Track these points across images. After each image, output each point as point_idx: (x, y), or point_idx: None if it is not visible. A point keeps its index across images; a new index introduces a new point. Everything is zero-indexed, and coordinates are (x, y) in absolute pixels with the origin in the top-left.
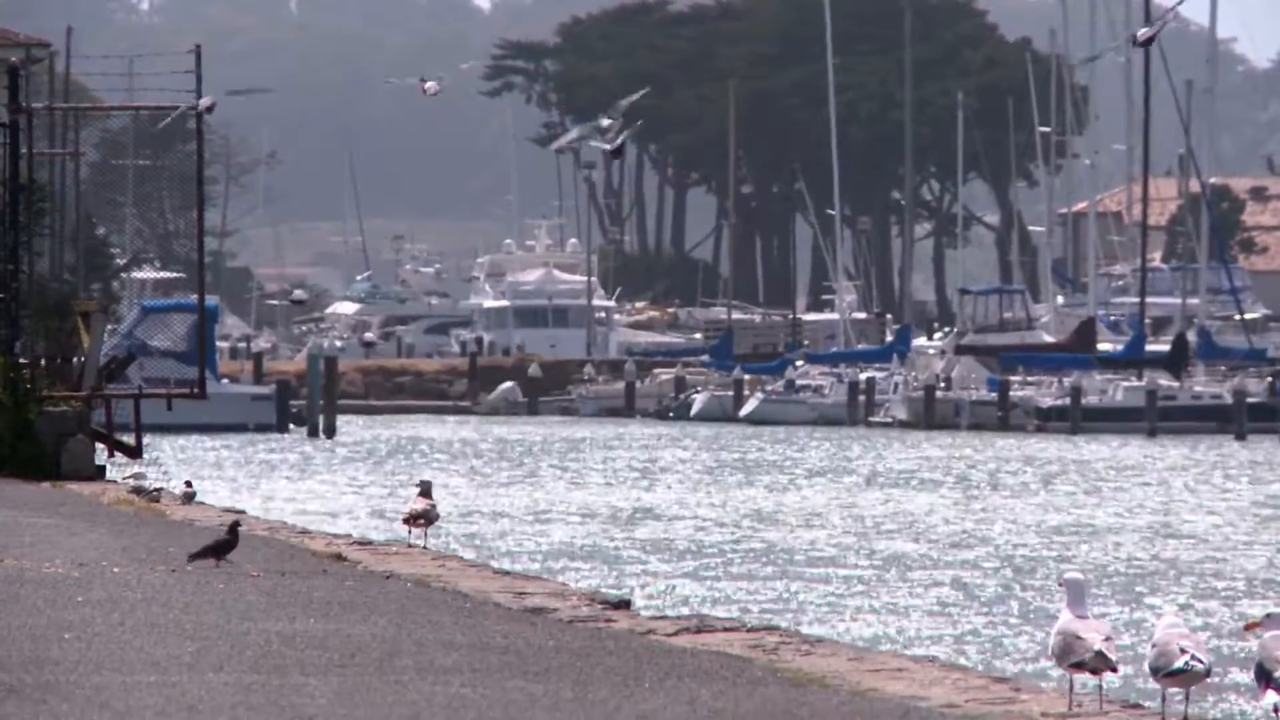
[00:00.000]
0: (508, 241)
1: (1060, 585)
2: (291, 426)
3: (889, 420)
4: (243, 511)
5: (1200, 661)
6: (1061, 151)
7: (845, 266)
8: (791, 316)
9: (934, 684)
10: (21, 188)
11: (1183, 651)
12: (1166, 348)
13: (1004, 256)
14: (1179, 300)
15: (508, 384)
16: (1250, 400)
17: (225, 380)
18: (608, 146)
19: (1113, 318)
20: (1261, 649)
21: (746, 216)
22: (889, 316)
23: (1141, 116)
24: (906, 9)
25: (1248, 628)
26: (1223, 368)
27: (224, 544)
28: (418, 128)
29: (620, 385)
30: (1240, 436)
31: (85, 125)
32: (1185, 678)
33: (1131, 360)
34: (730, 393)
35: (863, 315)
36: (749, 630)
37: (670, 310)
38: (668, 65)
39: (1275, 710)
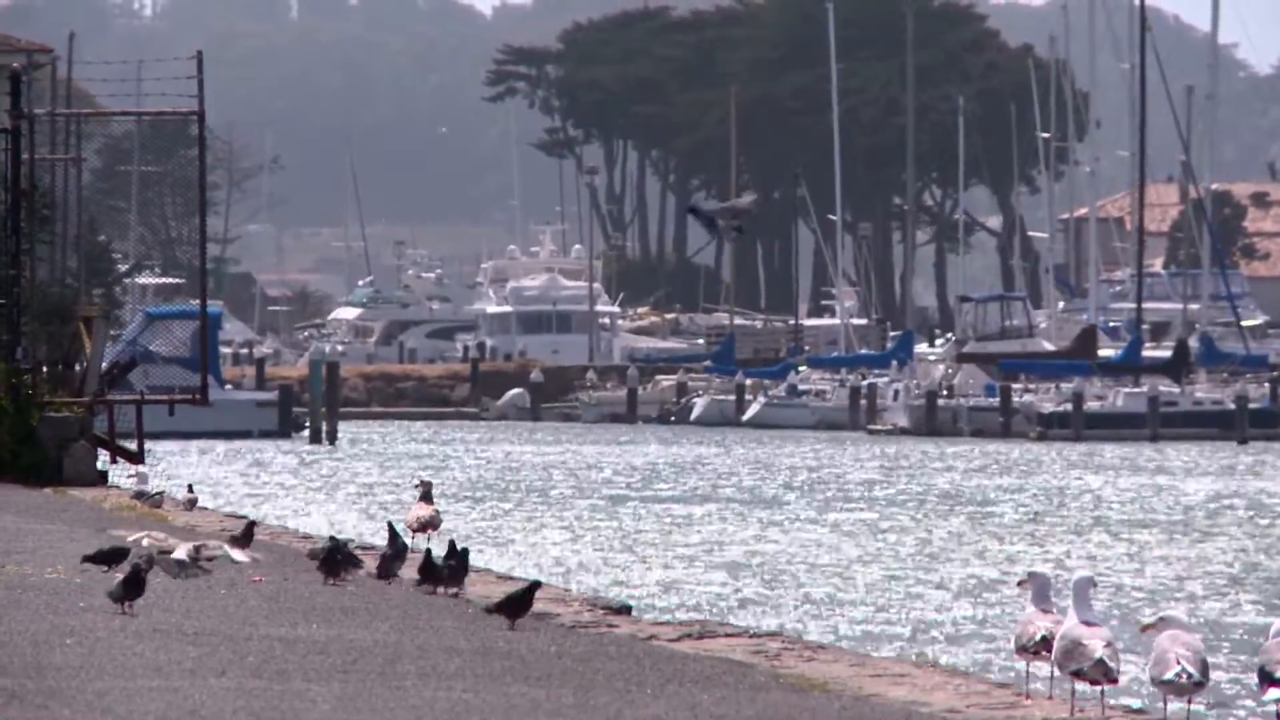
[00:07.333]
0: (511, 247)
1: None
2: (294, 433)
3: (890, 427)
4: (245, 516)
5: (1190, 674)
6: (1063, 157)
7: (846, 272)
8: (793, 322)
9: (936, 689)
10: (24, 193)
11: (1177, 660)
12: (1168, 354)
13: (1006, 262)
14: (1179, 306)
15: (516, 390)
16: (1252, 406)
17: (228, 386)
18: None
19: (1112, 324)
20: (1263, 652)
21: (748, 222)
22: (888, 323)
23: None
24: (908, 14)
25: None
26: (1225, 374)
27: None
28: (420, 133)
29: (623, 391)
30: (1243, 441)
31: (87, 132)
32: (1175, 688)
33: (1132, 366)
34: (731, 397)
35: (864, 321)
36: (751, 636)
37: (672, 316)
38: (669, 71)
39: (1278, 704)
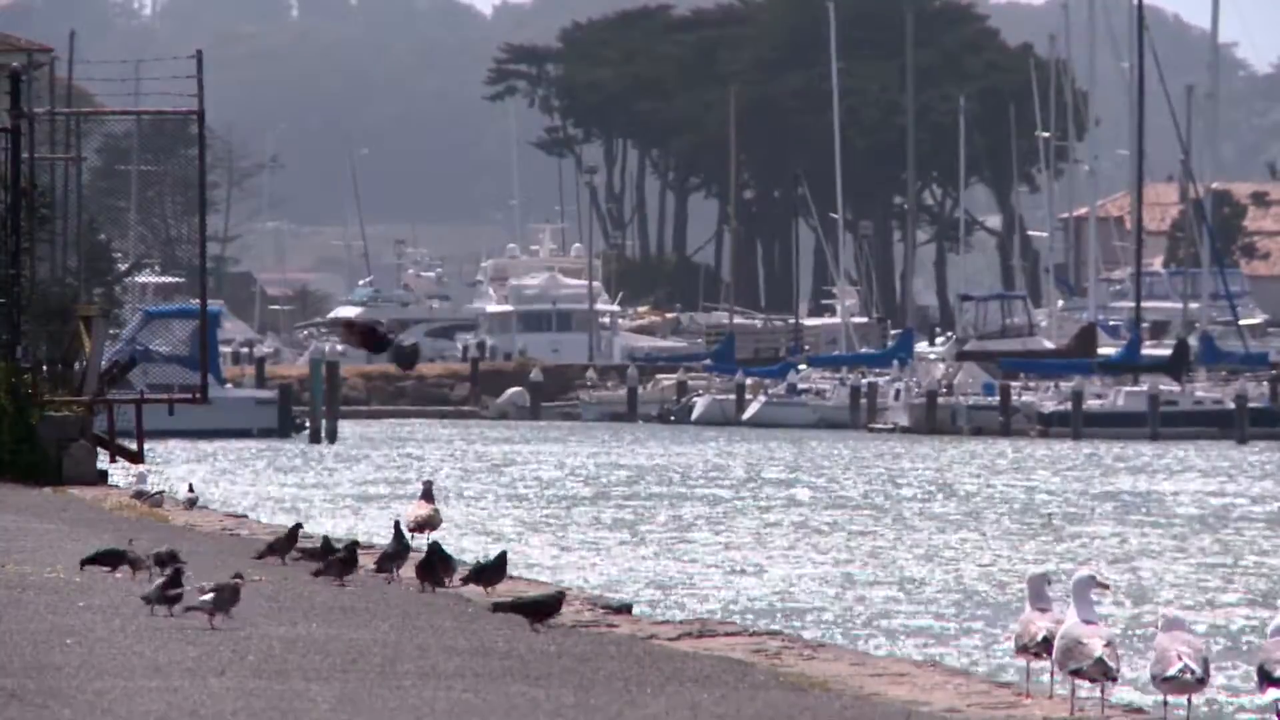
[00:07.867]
0: (511, 246)
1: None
2: (294, 432)
3: (890, 426)
4: (244, 516)
5: (1193, 671)
6: (1062, 156)
7: (847, 271)
8: (793, 321)
9: (936, 689)
10: (24, 193)
11: (1179, 657)
12: (1168, 353)
13: (1006, 261)
14: (1179, 305)
15: (516, 389)
16: (1252, 405)
17: (228, 385)
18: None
19: (1112, 322)
20: (1261, 650)
21: (748, 221)
22: (889, 321)
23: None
24: (908, 14)
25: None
26: (1224, 373)
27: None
28: (420, 132)
29: (623, 390)
30: (1242, 440)
31: (87, 130)
32: (1177, 685)
33: (1132, 365)
34: (731, 397)
35: (864, 320)
36: (751, 635)
37: (672, 315)
38: (669, 70)
39: (1276, 704)
